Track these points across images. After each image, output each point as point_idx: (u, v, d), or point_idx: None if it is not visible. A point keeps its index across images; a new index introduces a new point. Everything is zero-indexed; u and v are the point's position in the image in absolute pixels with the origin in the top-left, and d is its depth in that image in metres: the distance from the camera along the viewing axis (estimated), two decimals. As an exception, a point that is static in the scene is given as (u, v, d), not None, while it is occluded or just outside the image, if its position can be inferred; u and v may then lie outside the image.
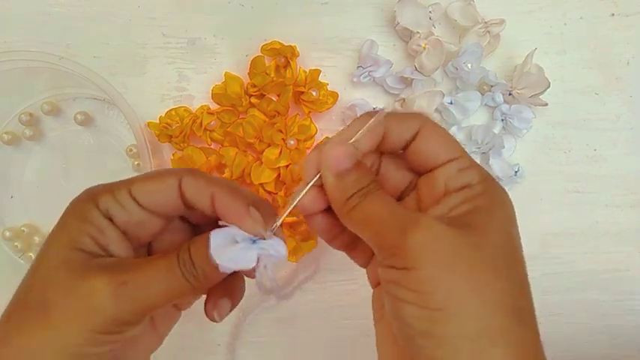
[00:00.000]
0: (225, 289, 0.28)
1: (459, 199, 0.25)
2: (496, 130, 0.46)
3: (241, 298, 0.29)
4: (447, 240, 0.23)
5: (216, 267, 0.24)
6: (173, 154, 0.46)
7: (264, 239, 0.25)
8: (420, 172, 0.28)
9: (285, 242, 0.26)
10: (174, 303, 0.29)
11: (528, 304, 0.24)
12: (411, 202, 0.28)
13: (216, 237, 0.24)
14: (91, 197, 0.26)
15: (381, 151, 0.28)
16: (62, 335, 0.23)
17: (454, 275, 0.22)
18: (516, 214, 0.26)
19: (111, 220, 0.25)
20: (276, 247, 0.25)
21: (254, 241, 0.25)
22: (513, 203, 0.26)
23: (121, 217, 0.25)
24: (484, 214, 0.24)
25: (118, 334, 0.24)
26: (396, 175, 0.29)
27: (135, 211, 0.26)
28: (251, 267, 0.24)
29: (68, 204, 0.26)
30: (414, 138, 0.26)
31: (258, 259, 0.24)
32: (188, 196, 0.26)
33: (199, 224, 0.29)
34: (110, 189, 0.26)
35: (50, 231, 0.26)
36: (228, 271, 0.24)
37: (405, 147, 0.27)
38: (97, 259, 0.24)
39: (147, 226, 0.27)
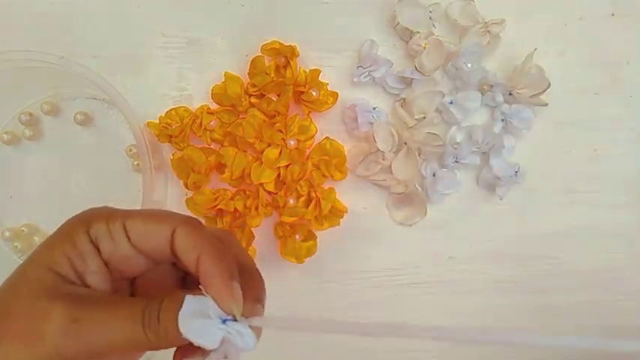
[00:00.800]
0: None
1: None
2: (496, 130, 0.46)
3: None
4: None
5: (180, 333, 0.22)
6: (173, 154, 0.46)
7: (236, 321, 0.24)
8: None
9: (254, 335, 0.25)
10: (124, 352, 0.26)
11: None
12: None
13: (189, 303, 0.23)
14: (84, 220, 0.25)
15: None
16: (6, 354, 0.22)
17: None
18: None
19: (97, 248, 0.25)
20: (245, 337, 0.24)
21: (224, 321, 0.23)
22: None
23: (108, 248, 0.25)
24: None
25: None
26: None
27: (124, 246, 0.25)
28: (211, 348, 0.23)
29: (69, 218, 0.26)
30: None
31: (222, 341, 0.23)
32: (177, 248, 0.25)
33: (188, 273, 0.28)
34: (106, 217, 0.25)
35: (49, 233, 0.25)
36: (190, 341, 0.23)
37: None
38: (67, 286, 0.24)
39: (132, 264, 0.26)
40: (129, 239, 0.25)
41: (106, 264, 0.25)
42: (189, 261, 0.24)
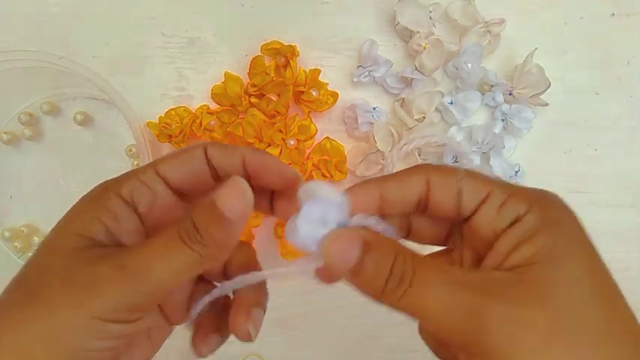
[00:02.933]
0: (214, 323, 0.27)
1: (511, 242, 0.21)
2: (496, 130, 0.46)
3: (229, 334, 0.27)
4: (532, 327, 0.19)
5: (223, 227, 0.22)
6: (173, 154, 0.46)
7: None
8: (454, 221, 0.24)
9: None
10: (187, 280, 0.26)
11: None
12: (462, 256, 0.25)
13: (310, 207, 0.22)
14: (111, 185, 0.25)
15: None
16: (55, 326, 0.21)
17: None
18: (562, 198, 0.25)
19: (134, 207, 0.24)
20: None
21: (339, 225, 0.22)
22: None
23: (146, 199, 0.24)
24: (553, 258, 0.20)
25: (124, 323, 0.22)
26: (432, 228, 0.25)
27: (162, 191, 0.25)
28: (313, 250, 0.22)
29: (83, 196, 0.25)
30: (425, 194, 0.23)
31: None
32: (217, 164, 0.25)
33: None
34: (134, 173, 0.25)
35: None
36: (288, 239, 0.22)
37: (422, 205, 0.24)
38: (102, 249, 0.23)
39: (171, 211, 0.25)
40: (167, 183, 0.25)
41: (143, 221, 0.25)
42: (233, 166, 0.25)
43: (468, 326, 0.20)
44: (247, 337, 0.26)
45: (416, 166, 0.24)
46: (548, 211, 0.22)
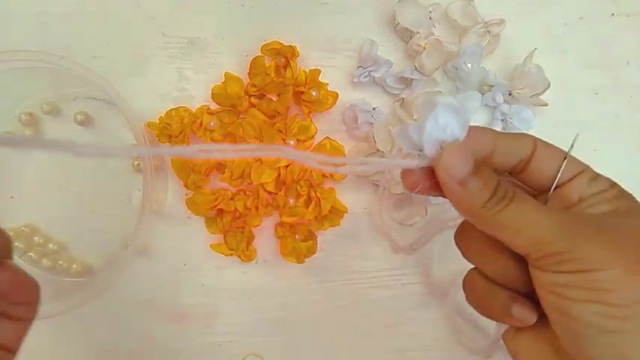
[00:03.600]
0: None
1: (596, 200, 0.26)
2: (496, 130, 0.46)
3: None
4: (622, 246, 0.23)
5: None
6: (173, 154, 0.46)
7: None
8: (538, 190, 0.28)
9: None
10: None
11: None
12: None
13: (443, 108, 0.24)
14: None
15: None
16: None
17: (636, 275, 0.23)
18: None
19: None
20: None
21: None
22: None
23: None
24: (631, 211, 0.25)
25: None
26: None
27: None
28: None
29: None
30: (529, 159, 0.27)
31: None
32: None
33: None
34: None
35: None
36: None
37: (518, 168, 0.28)
38: None
39: None
40: None
41: None
42: None
43: (563, 235, 0.23)
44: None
45: (527, 134, 0.28)
46: (627, 193, 0.27)
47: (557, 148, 0.28)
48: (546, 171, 0.27)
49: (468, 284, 0.29)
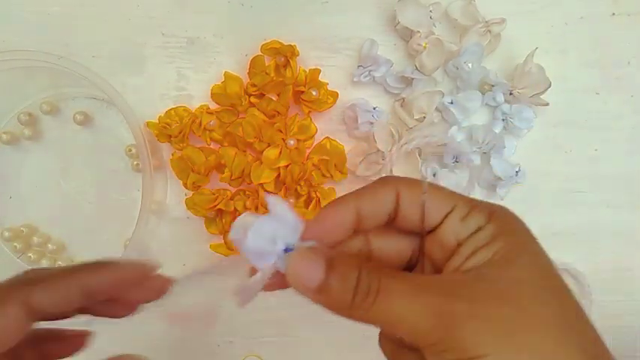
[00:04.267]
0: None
1: (471, 247, 0.23)
2: (497, 130, 0.45)
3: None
4: (494, 320, 0.20)
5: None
6: (172, 154, 0.46)
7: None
8: (418, 233, 0.25)
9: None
10: None
11: (603, 349, 0.23)
12: (426, 267, 0.26)
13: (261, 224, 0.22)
14: None
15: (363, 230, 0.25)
16: None
17: (520, 355, 0.20)
18: (516, 214, 0.26)
19: None
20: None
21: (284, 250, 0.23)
22: (514, 203, 0.25)
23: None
24: (509, 255, 0.22)
25: None
26: (395, 247, 0.26)
27: None
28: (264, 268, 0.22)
29: None
30: (395, 207, 0.24)
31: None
32: (49, 308, 0.22)
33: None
34: None
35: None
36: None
37: (390, 219, 0.25)
38: None
39: None
40: None
41: None
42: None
43: (437, 325, 0.20)
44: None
45: (385, 178, 0.25)
46: (505, 223, 0.24)
47: (420, 184, 0.24)
48: (414, 216, 0.24)
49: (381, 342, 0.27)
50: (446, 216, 0.24)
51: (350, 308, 0.22)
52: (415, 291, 0.21)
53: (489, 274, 0.22)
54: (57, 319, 0.23)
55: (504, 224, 0.24)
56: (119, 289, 0.23)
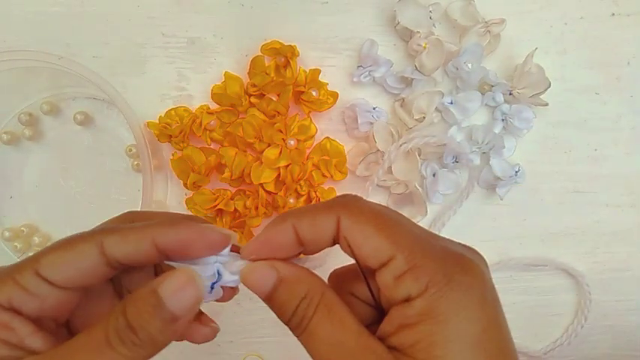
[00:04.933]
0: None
1: (397, 321, 0.21)
2: (496, 130, 0.46)
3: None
4: None
5: (167, 321, 0.20)
6: (173, 154, 0.46)
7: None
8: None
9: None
10: None
11: None
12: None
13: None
14: None
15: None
16: None
17: None
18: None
19: (19, 312, 0.21)
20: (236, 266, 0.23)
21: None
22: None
23: (32, 304, 0.21)
24: (435, 350, 0.20)
25: None
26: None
27: (50, 293, 0.21)
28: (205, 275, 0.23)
29: None
30: (336, 232, 0.22)
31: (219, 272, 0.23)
32: (119, 257, 0.22)
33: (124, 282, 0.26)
34: (11, 274, 0.21)
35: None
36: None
37: (335, 242, 0.23)
38: None
39: (65, 306, 0.22)
40: (51, 283, 0.22)
41: (37, 321, 0.22)
42: (142, 254, 0.23)
43: None
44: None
45: (330, 203, 0.23)
46: (443, 298, 0.20)
47: (367, 216, 0.22)
48: (355, 250, 0.22)
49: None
50: (383, 265, 0.21)
51: (287, 324, 0.22)
52: (331, 346, 0.21)
53: None
54: (135, 267, 0.24)
55: (438, 302, 0.20)
56: (189, 246, 0.23)
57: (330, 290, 0.22)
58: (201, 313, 0.26)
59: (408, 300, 0.20)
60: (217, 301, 0.25)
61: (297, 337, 0.22)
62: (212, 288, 0.23)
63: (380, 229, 0.21)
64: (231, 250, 0.24)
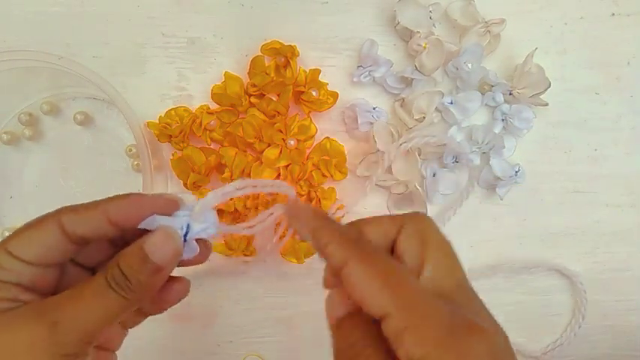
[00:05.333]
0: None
1: None
2: (496, 130, 0.46)
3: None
4: None
5: (152, 271, 0.24)
6: (173, 154, 0.46)
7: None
8: None
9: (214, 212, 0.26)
10: (117, 322, 0.26)
11: None
12: None
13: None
14: None
15: None
16: None
17: None
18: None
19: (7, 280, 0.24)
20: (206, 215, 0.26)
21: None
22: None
23: (10, 278, 0.24)
24: None
25: None
26: None
27: (22, 269, 0.24)
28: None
29: None
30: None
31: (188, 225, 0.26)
32: (78, 231, 0.25)
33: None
34: None
35: None
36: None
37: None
38: (16, 310, 0.23)
39: (44, 280, 0.25)
40: (19, 259, 0.24)
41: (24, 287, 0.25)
42: (102, 229, 0.25)
43: None
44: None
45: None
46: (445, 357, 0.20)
47: (370, 264, 0.22)
48: (354, 295, 0.23)
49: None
50: (382, 318, 0.21)
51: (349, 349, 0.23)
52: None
53: None
54: (93, 241, 0.26)
55: None
56: (139, 216, 0.25)
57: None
58: (173, 277, 0.28)
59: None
60: (195, 262, 0.27)
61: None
62: (185, 240, 0.26)
63: (379, 277, 0.22)
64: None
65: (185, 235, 0.26)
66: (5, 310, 0.23)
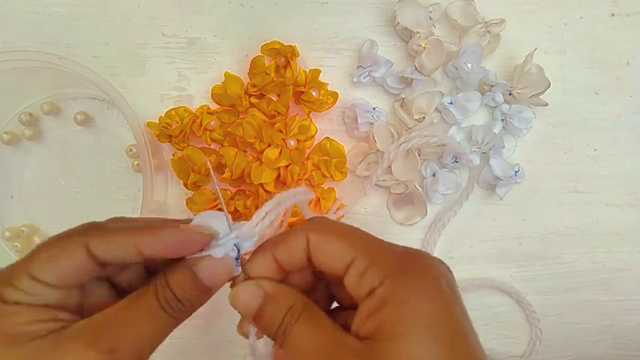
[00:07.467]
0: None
1: (364, 313, 0.23)
2: (496, 130, 0.46)
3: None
4: None
5: (202, 290, 0.25)
6: (173, 154, 0.46)
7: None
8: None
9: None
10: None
11: None
12: (344, 317, 0.27)
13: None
14: (5, 275, 0.24)
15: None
16: None
17: None
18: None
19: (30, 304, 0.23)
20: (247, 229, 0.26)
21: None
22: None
23: (38, 301, 0.23)
24: (393, 335, 0.22)
25: None
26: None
27: (46, 292, 0.23)
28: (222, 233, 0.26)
29: None
30: (307, 252, 0.26)
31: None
32: (105, 258, 0.24)
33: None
34: (8, 278, 0.23)
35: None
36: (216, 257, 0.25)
37: (309, 261, 0.26)
38: (67, 332, 0.23)
39: (69, 300, 0.25)
40: (43, 283, 0.23)
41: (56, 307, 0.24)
42: (128, 256, 0.25)
43: None
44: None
45: (299, 227, 0.26)
46: (401, 284, 0.23)
47: (330, 231, 0.25)
48: (322, 264, 0.25)
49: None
50: (347, 268, 0.24)
51: (273, 337, 0.25)
52: (323, 333, 0.24)
53: (378, 350, 0.22)
54: (121, 267, 0.26)
55: (397, 287, 0.23)
56: (173, 254, 0.25)
57: (309, 300, 0.26)
58: None
59: (371, 292, 0.23)
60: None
61: (280, 345, 0.24)
62: (237, 260, 0.26)
63: (341, 237, 0.25)
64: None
65: (237, 257, 0.26)
66: (58, 330, 0.23)
